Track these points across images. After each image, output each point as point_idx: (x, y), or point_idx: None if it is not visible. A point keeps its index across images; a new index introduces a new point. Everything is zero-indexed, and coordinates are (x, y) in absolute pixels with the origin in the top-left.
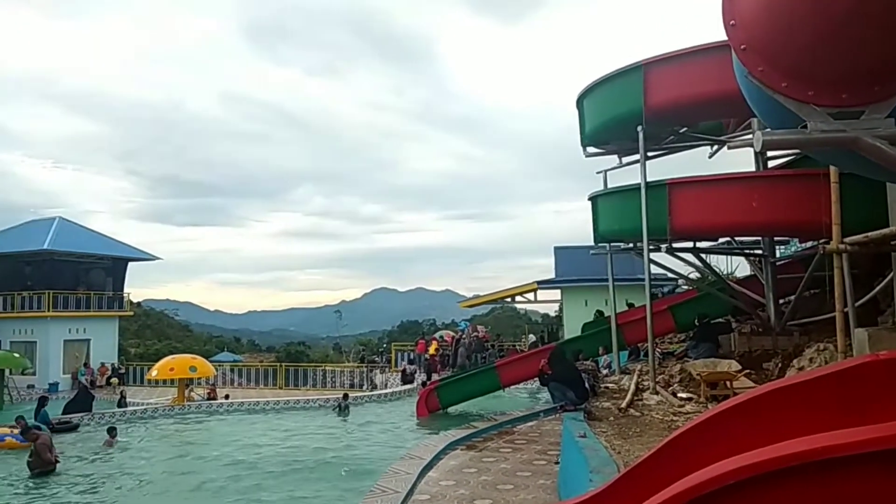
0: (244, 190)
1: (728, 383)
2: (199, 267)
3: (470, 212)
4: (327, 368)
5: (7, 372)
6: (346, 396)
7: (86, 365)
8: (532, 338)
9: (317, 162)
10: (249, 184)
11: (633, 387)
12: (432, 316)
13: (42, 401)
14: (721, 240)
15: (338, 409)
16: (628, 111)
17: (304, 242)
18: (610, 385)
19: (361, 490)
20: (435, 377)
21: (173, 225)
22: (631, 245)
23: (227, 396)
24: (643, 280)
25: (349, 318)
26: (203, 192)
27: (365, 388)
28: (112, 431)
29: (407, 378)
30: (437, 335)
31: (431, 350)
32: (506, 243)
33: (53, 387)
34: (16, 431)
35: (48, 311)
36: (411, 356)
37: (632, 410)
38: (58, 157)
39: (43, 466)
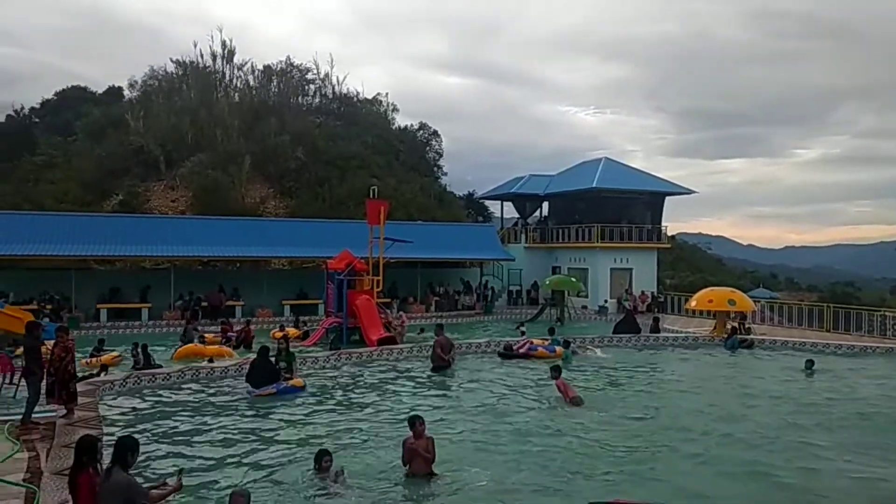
0: (774, 116)
1: None
2: (730, 200)
3: None
4: (887, 314)
5: (566, 293)
6: None
7: (628, 292)
8: None
9: (863, 74)
10: (780, 108)
11: None
12: None
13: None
14: None
15: None
16: None
17: (851, 169)
18: None
19: None
20: None
21: (702, 158)
22: None
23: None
24: None
25: None
26: (730, 122)
27: None
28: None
29: None
30: None
31: None
32: None
33: (603, 309)
34: (546, 343)
35: (597, 241)
36: None
37: None
38: (598, 103)
39: (437, 361)
